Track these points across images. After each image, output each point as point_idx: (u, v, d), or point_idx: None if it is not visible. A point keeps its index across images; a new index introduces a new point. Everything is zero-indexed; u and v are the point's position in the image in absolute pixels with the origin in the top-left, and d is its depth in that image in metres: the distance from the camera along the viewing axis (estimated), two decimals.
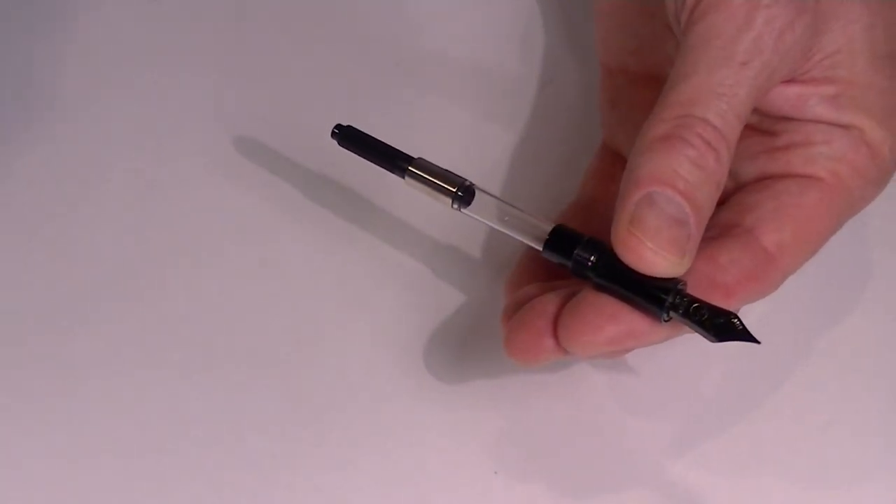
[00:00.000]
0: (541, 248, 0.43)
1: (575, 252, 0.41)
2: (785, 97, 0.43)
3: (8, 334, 0.49)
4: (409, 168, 0.45)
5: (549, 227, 0.43)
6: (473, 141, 0.48)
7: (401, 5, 0.58)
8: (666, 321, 0.40)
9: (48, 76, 0.56)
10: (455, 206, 0.44)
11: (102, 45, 0.57)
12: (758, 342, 0.39)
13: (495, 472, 0.46)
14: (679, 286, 0.40)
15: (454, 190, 0.44)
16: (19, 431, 0.46)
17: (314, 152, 0.53)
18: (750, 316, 0.44)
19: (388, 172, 0.46)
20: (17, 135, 0.54)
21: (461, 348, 0.48)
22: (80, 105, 0.55)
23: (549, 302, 0.42)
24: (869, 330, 0.49)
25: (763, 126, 0.44)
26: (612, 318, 0.40)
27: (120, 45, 0.57)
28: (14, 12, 0.57)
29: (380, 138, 0.47)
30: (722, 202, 0.43)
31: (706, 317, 0.39)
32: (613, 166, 0.48)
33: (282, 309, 0.49)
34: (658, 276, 0.40)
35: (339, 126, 0.47)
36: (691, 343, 0.40)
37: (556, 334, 0.41)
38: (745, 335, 0.39)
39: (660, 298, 0.40)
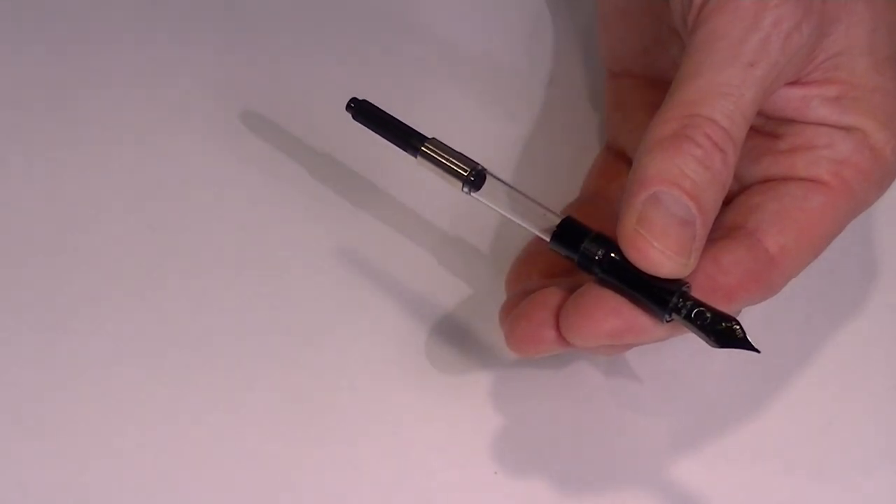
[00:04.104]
0: (548, 239, 0.42)
1: (582, 245, 0.41)
2: (788, 99, 0.43)
3: (7, 333, 0.48)
4: (423, 147, 0.45)
5: (558, 219, 0.42)
6: (476, 139, 0.47)
7: (406, 2, 0.57)
8: (668, 321, 0.40)
9: (46, 67, 0.55)
10: (466, 189, 0.44)
11: (101, 29, 0.56)
12: (758, 351, 0.39)
13: (495, 472, 0.46)
14: (683, 288, 0.40)
15: (466, 173, 0.44)
16: (18, 431, 0.46)
17: (316, 147, 0.53)
18: (753, 314, 0.44)
19: (390, 167, 0.46)
20: (15, 132, 0.54)
21: (463, 346, 0.48)
22: (78, 95, 0.54)
23: (552, 294, 0.42)
24: (871, 329, 0.49)
25: (767, 128, 0.44)
26: (615, 311, 0.40)
27: (120, 29, 0.57)
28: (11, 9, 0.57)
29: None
30: (726, 203, 0.42)
31: (708, 322, 0.39)
32: (617, 166, 0.49)
33: (282, 304, 0.49)
34: (663, 276, 0.40)
35: (354, 100, 0.47)
36: (693, 342, 0.40)
37: (557, 326, 0.41)
38: (746, 343, 0.39)
39: (663, 299, 0.40)
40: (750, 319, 0.44)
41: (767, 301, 0.43)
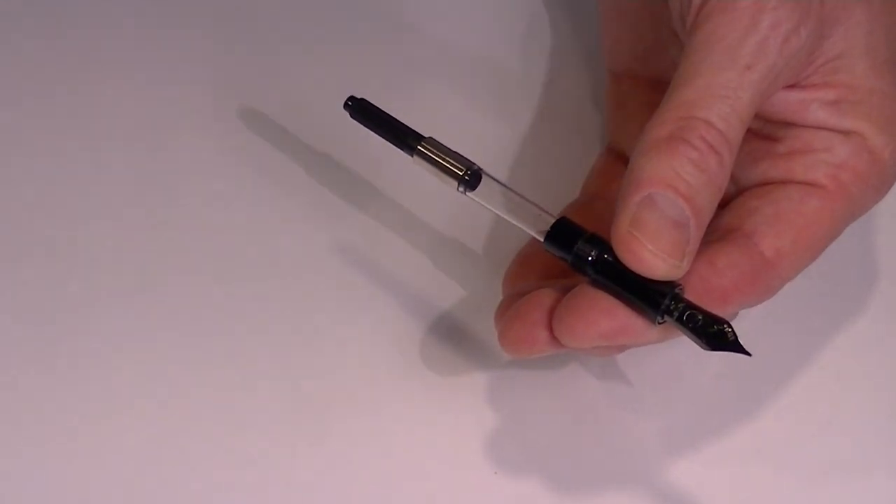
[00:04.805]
0: (542, 240, 0.42)
1: (576, 246, 0.41)
2: (786, 102, 0.42)
3: (7, 332, 0.48)
4: (419, 147, 0.45)
5: (552, 219, 0.42)
6: (474, 139, 0.47)
7: (406, 1, 0.57)
8: (660, 323, 0.40)
9: (45, 65, 0.55)
10: (461, 188, 0.44)
11: (101, 28, 0.57)
12: (749, 354, 0.39)
13: (495, 473, 0.46)
14: (676, 290, 0.40)
15: (462, 172, 0.44)
16: (19, 429, 0.46)
17: (313, 146, 0.53)
18: (752, 314, 0.44)
19: (387, 166, 0.45)
20: (14, 131, 0.54)
21: (459, 347, 0.48)
22: (78, 94, 0.55)
23: (546, 295, 0.42)
24: (870, 330, 0.49)
25: (765, 131, 0.44)
26: (608, 312, 0.40)
27: (119, 28, 0.57)
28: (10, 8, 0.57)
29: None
30: (722, 206, 0.43)
31: (700, 324, 0.39)
32: (617, 167, 0.48)
33: (277, 304, 0.49)
34: (656, 278, 0.39)
35: (352, 98, 0.47)
36: (691, 343, 0.40)
37: (550, 327, 0.41)
38: (737, 346, 0.39)
39: (656, 301, 0.40)
40: (750, 320, 0.44)
41: (767, 301, 0.42)
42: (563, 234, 0.42)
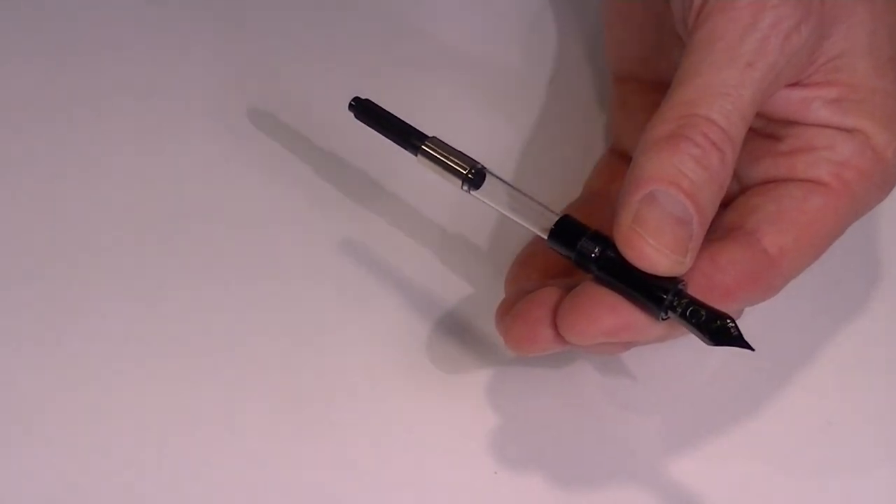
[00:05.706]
0: (546, 237, 0.42)
1: (579, 243, 0.41)
2: (788, 101, 0.42)
3: (7, 333, 0.48)
4: (423, 146, 0.45)
5: (556, 217, 0.43)
6: (478, 138, 0.47)
7: (410, 2, 0.58)
8: (664, 319, 0.40)
9: (46, 67, 0.56)
10: (465, 187, 0.44)
11: (101, 28, 0.57)
12: (752, 349, 0.39)
13: (495, 472, 0.46)
14: (679, 286, 0.40)
15: (466, 171, 0.44)
16: (18, 429, 0.46)
17: (316, 146, 0.53)
18: (754, 313, 0.44)
19: (391, 166, 0.46)
20: (15, 133, 0.54)
21: (463, 345, 0.48)
22: (79, 96, 0.55)
23: (550, 293, 0.42)
24: (871, 330, 0.49)
25: (767, 130, 0.44)
26: (611, 309, 0.40)
27: (120, 29, 0.57)
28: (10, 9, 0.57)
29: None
30: (725, 204, 0.42)
31: (703, 319, 0.39)
32: (620, 167, 0.48)
33: (281, 303, 0.49)
34: (659, 274, 0.40)
35: (356, 99, 0.47)
36: (692, 342, 0.40)
37: (554, 324, 0.41)
38: (740, 341, 0.39)
39: (659, 297, 0.40)
40: (751, 318, 0.44)
41: (768, 300, 0.43)
42: (567, 231, 0.42)
